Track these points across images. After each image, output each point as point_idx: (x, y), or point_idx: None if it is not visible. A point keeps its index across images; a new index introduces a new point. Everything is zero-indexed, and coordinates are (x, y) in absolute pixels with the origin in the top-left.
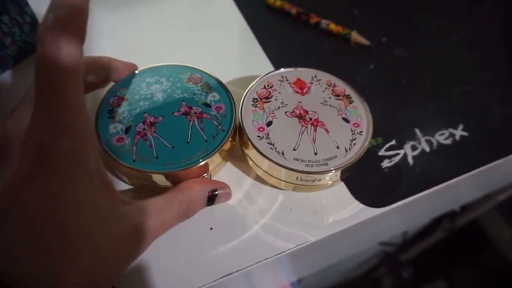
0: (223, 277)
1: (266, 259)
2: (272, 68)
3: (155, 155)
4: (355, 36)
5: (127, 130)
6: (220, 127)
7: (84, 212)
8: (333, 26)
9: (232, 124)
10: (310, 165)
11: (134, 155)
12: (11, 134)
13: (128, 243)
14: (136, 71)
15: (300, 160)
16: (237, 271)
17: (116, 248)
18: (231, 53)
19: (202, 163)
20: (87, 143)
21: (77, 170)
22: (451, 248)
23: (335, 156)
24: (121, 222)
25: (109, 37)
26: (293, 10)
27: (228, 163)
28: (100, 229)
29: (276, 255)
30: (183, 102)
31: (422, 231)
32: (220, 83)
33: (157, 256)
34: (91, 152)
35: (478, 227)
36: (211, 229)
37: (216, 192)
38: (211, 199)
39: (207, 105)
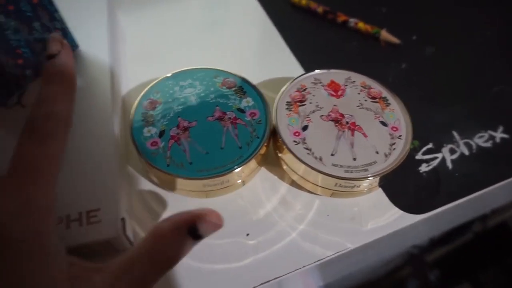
0: (261, 284)
1: (304, 266)
2: (301, 69)
3: (189, 161)
4: (385, 34)
5: (161, 134)
6: (254, 133)
7: None
8: (361, 25)
9: (267, 131)
10: (349, 171)
11: (168, 160)
12: None
13: None
14: (169, 74)
15: (339, 166)
16: (275, 278)
17: None
18: (258, 54)
19: (238, 170)
20: (44, 224)
21: (29, 252)
22: (479, 250)
23: (375, 162)
24: None
25: (134, 40)
26: (319, 9)
27: (262, 168)
28: None
29: (314, 262)
30: (217, 107)
31: (450, 232)
32: (254, 87)
33: (191, 262)
34: (50, 233)
35: (508, 229)
36: (247, 235)
37: (198, 229)
38: (196, 237)
39: (241, 111)
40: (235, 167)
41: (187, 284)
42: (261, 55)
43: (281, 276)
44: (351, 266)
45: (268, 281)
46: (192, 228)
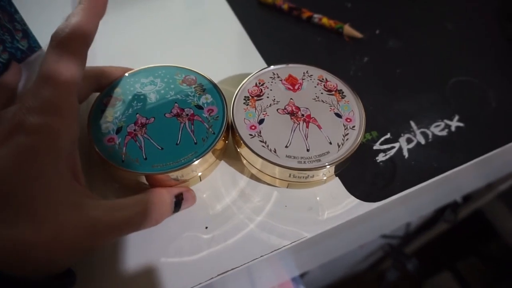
0: (219, 275)
1: (261, 256)
2: (265, 65)
3: (144, 156)
4: (348, 29)
5: (118, 130)
6: (211, 129)
7: (39, 187)
8: (325, 20)
9: (223, 126)
10: (302, 162)
11: (123, 156)
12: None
13: (79, 235)
14: (127, 74)
15: (292, 157)
16: (232, 269)
17: (63, 235)
18: (224, 52)
19: (193, 164)
20: (61, 123)
21: (42, 146)
22: (455, 239)
23: (328, 152)
24: (77, 211)
25: (102, 39)
26: (285, 6)
27: (223, 162)
28: (50, 209)
29: (271, 252)
30: (176, 104)
31: (425, 223)
32: (213, 84)
33: (152, 255)
34: (65, 134)
35: (482, 217)
36: (206, 228)
37: (182, 196)
38: (178, 204)
39: (200, 107)
40: (193, 160)
41: (146, 276)
42: (226, 52)
43: (238, 267)
44: (324, 256)
45: (225, 272)
46: (178, 197)
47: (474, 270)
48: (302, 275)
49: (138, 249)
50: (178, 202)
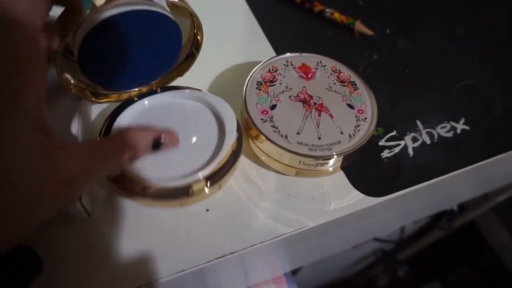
0: (216, 258)
1: (261, 242)
2: (275, 55)
3: None
4: (359, 26)
5: None
6: None
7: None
8: (337, 15)
9: None
10: (313, 149)
11: None
12: None
13: (53, 189)
14: None
15: (303, 144)
16: (231, 253)
17: (32, 195)
18: (234, 40)
19: None
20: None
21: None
22: (448, 249)
23: (339, 142)
24: (49, 166)
25: None
26: None
27: None
28: (19, 167)
29: (272, 238)
30: None
31: (420, 230)
32: None
33: (151, 236)
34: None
35: (476, 229)
36: (207, 210)
37: (162, 141)
38: (156, 147)
39: None
40: None
41: (144, 257)
42: (237, 40)
43: (237, 251)
44: (319, 252)
45: (223, 256)
46: (158, 138)
47: (463, 281)
48: (293, 273)
49: (133, 231)
50: (157, 144)
